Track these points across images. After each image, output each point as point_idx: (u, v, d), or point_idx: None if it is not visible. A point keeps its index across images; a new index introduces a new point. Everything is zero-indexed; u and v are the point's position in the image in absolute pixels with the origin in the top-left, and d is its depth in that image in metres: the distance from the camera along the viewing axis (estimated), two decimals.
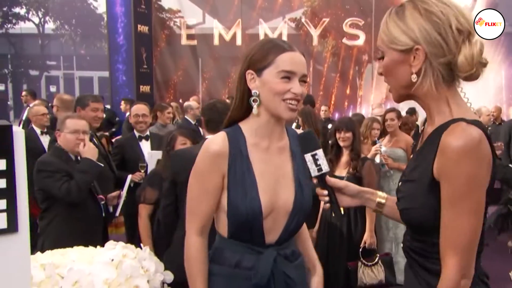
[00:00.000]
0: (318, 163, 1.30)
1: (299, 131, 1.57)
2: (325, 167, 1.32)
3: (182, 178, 2.21)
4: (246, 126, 1.41)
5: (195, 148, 2.47)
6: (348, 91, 9.22)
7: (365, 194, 1.39)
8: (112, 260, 1.45)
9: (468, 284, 1.09)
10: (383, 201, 1.39)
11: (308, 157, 1.29)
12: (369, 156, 3.72)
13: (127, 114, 7.15)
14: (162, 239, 2.40)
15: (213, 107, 2.38)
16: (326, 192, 1.32)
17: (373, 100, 8.77)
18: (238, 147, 1.38)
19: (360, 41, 9.05)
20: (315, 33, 9.23)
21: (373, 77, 9.02)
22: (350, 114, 8.91)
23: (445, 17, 1.09)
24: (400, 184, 1.27)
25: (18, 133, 0.86)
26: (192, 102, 6.40)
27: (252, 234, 1.37)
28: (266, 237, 1.39)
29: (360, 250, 3.19)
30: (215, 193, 1.38)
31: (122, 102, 7.66)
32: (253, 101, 1.36)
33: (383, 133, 4.59)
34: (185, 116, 6.01)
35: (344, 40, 9.15)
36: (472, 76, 1.11)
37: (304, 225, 1.62)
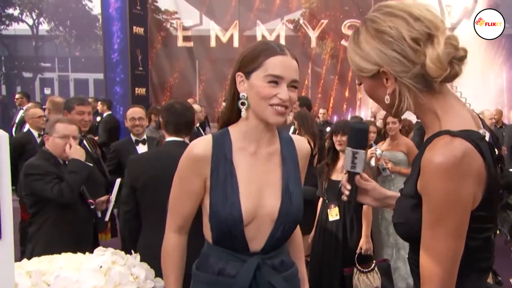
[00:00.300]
0: (355, 161, 1.29)
1: (296, 136, 1.57)
2: (359, 169, 1.31)
3: (140, 184, 2.25)
4: (235, 130, 1.41)
5: (152, 152, 2.55)
6: (347, 94, 9.21)
7: (389, 200, 1.37)
8: (101, 267, 1.44)
9: None
10: None
11: (349, 151, 1.29)
12: None
13: (105, 114, 7.17)
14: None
15: (171, 108, 2.34)
16: (349, 187, 1.31)
17: (372, 103, 8.77)
18: (222, 150, 1.37)
19: None
20: (313, 34, 9.25)
21: None
22: (349, 117, 8.91)
23: (395, 32, 1.05)
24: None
25: (1, 137, 0.86)
26: (195, 105, 6.40)
27: (234, 241, 1.36)
28: (250, 244, 1.37)
29: (356, 256, 3.17)
30: (194, 195, 1.40)
31: (99, 103, 7.61)
32: (241, 104, 1.35)
33: (383, 137, 4.62)
34: None
35: (343, 42, 9.13)
36: (449, 77, 1.04)
37: (299, 235, 1.61)
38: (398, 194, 1.33)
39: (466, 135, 1.00)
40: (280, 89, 1.31)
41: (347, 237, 3.29)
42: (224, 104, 7.17)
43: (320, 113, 6.63)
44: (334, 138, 3.37)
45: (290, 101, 1.33)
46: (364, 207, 3.21)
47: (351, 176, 1.32)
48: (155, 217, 2.24)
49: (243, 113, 1.36)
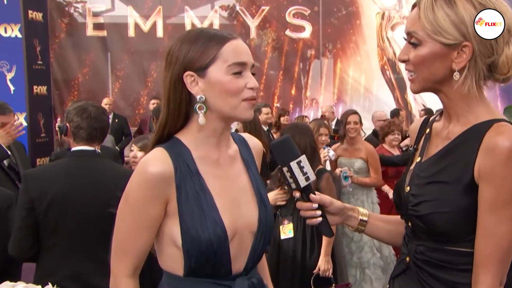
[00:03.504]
0: (305, 171, 1.32)
1: (246, 134, 1.59)
2: (312, 175, 1.34)
3: (44, 204, 2.24)
4: (187, 138, 1.38)
5: (56, 165, 2.57)
6: (293, 92, 9.28)
7: (347, 210, 1.46)
8: None
9: None
10: (365, 218, 1.48)
11: (294, 165, 1.32)
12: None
13: None
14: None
15: (83, 111, 2.35)
16: (315, 205, 1.37)
17: (322, 101, 8.90)
18: (184, 163, 1.34)
19: (306, 33, 9.13)
20: (252, 23, 9.21)
21: (321, 75, 9.19)
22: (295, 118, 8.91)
23: (501, 15, 1.20)
24: (411, 188, 1.33)
25: None
26: (264, 108, 6.32)
27: (217, 265, 1.33)
28: (233, 265, 1.35)
29: (312, 278, 3.15)
30: (153, 225, 1.34)
31: None
32: (198, 108, 1.32)
33: (341, 138, 4.61)
34: None
35: (287, 32, 9.19)
36: (507, 79, 1.25)
37: None
38: (351, 206, 1.50)
39: None
40: (247, 77, 1.33)
41: (306, 258, 3.25)
42: (154, 104, 6.90)
43: (264, 114, 6.45)
44: None
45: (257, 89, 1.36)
46: None
47: (308, 191, 1.36)
48: (57, 243, 2.29)
49: (202, 120, 1.32)
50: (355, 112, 4.63)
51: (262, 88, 9.10)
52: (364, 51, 9.06)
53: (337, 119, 7.51)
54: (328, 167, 4.16)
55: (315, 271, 3.18)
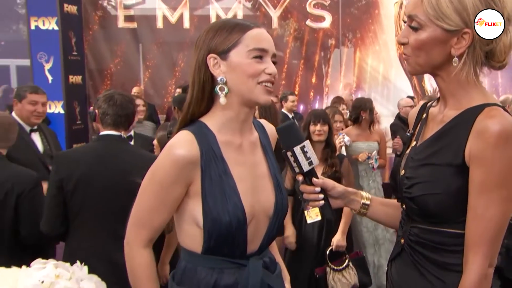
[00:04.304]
0: (308, 155, 1.34)
1: (263, 120, 1.62)
2: (315, 159, 1.36)
3: (72, 184, 2.32)
4: (211, 122, 1.40)
5: (84, 147, 2.68)
6: (314, 80, 9.26)
7: (349, 194, 1.48)
8: (42, 282, 1.40)
9: (492, 272, 1.22)
10: (367, 202, 1.49)
11: (297, 150, 1.33)
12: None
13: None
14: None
15: (110, 99, 2.43)
16: (318, 189, 1.39)
17: (341, 90, 8.89)
18: (209, 147, 1.36)
19: (326, 23, 9.09)
20: (274, 14, 9.22)
21: (341, 64, 9.13)
22: (317, 105, 8.96)
23: (502, 5, 1.20)
24: (406, 171, 1.35)
25: None
26: (291, 96, 6.69)
27: (234, 245, 1.38)
28: (248, 246, 1.41)
29: (327, 253, 3.24)
30: (174, 204, 1.38)
31: None
32: (219, 89, 1.35)
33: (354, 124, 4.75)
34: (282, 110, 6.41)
35: (308, 22, 9.16)
36: (503, 66, 1.25)
37: None
38: (353, 190, 1.50)
39: (506, 110, 1.21)
40: (267, 63, 1.36)
41: (329, 240, 3.33)
42: (178, 92, 7.07)
43: (290, 102, 6.62)
44: (312, 128, 3.43)
45: (276, 76, 1.38)
46: None
47: (311, 175, 1.38)
48: (83, 222, 2.37)
49: (223, 100, 1.35)
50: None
51: (284, 77, 9.12)
52: (382, 40, 8.96)
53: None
54: (344, 152, 4.27)
55: (329, 248, 3.26)
